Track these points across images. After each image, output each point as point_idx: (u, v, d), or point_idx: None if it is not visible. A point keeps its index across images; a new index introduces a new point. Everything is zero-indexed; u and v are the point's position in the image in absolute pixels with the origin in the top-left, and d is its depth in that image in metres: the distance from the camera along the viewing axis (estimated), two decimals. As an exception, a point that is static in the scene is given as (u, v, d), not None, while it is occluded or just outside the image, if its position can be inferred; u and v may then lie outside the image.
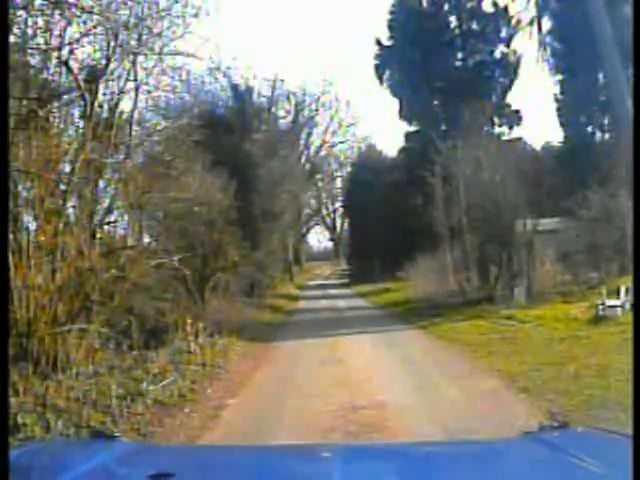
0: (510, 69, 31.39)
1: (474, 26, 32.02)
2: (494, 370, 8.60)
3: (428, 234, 22.43)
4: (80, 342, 8.51)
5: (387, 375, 9.05)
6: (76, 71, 9.57)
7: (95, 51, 9.96)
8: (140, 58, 10.77)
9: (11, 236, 7.60)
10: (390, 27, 33.00)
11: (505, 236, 17.63)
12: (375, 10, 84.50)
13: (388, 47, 33.25)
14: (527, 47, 54.53)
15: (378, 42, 33.54)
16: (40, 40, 8.94)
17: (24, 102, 8.39)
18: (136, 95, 11.16)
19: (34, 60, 9.24)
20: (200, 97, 22.09)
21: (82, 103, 9.66)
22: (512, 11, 30.88)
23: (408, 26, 31.28)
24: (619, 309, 11.96)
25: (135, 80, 10.92)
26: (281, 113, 39.98)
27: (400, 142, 35.14)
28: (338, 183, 51.68)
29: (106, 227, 11.02)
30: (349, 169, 45.92)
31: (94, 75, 10.02)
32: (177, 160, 12.67)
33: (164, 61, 11.07)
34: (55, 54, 9.25)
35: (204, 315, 13.83)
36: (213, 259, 17.56)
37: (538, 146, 30.84)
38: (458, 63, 32.10)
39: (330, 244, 62.08)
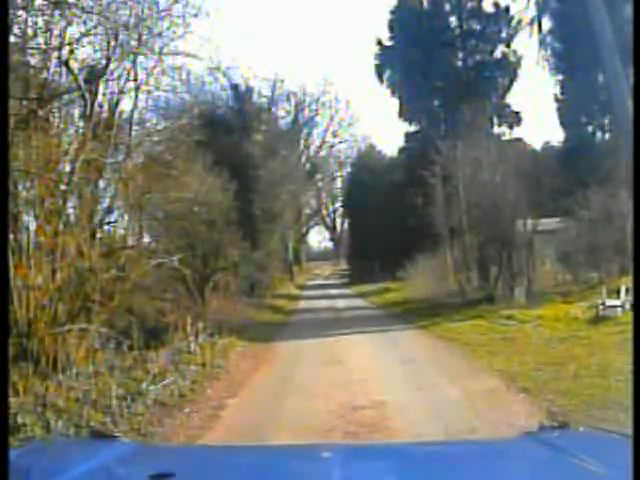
0: (510, 69, 31.40)
1: (474, 26, 32.04)
2: (494, 370, 8.60)
3: (428, 234, 22.41)
4: (80, 342, 8.50)
5: (387, 375, 9.05)
6: (76, 71, 9.57)
7: (95, 51, 10.00)
8: (140, 58, 10.80)
9: (11, 236, 7.60)
10: (391, 27, 33.02)
11: (505, 236, 17.62)
12: (375, 10, 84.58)
13: (388, 47, 33.26)
14: (527, 47, 54.56)
15: (379, 42, 33.56)
16: (40, 40, 8.96)
17: (24, 102, 8.39)
18: (136, 95, 11.19)
19: (34, 60, 9.24)
20: (200, 97, 22.12)
21: (82, 103, 9.67)
22: (512, 11, 30.95)
23: (409, 26, 31.29)
24: (619, 309, 11.96)
25: (135, 80, 10.94)
26: (281, 113, 40.06)
27: (400, 142, 35.19)
28: (338, 183, 51.74)
29: (106, 227, 11.03)
30: (349, 169, 45.94)
31: (94, 75, 10.03)
32: (177, 160, 12.66)
33: (164, 61, 11.09)
34: (55, 54, 9.25)
35: (204, 315, 13.82)
36: (213, 259, 17.57)
37: (538, 146, 30.85)
38: (458, 63, 32.11)
39: (330, 244, 62.14)
